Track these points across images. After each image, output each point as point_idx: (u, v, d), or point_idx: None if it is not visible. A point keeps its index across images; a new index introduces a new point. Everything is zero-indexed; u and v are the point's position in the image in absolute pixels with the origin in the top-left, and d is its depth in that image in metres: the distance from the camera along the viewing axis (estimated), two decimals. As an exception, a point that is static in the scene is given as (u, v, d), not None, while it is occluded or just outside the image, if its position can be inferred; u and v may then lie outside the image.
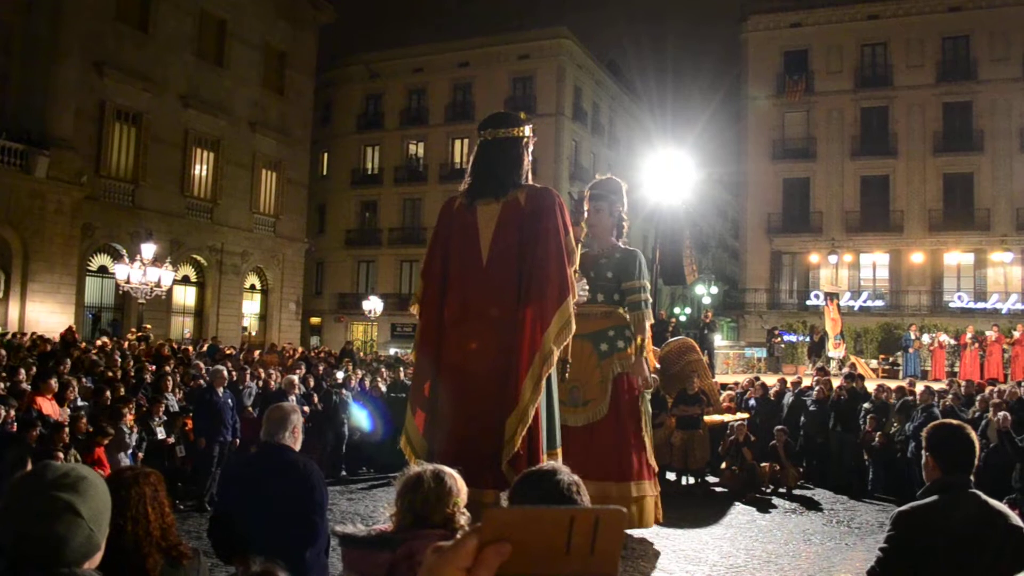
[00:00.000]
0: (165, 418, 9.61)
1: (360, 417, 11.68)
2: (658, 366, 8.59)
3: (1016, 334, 20.42)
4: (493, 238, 4.86)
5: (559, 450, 5.01)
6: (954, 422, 3.06)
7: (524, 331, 4.67)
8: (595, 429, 6.90)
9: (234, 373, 11.41)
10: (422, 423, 4.89)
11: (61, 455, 7.17)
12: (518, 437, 4.50)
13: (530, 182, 5.11)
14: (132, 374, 11.64)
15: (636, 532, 7.42)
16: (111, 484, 2.33)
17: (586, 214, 7.09)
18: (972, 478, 2.83)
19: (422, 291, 5.10)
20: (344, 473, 11.50)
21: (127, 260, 20.37)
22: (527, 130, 5.17)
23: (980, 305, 29.81)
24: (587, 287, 5.49)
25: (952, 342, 22.45)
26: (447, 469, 2.46)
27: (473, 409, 4.70)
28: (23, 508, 1.68)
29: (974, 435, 2.88)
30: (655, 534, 7.98)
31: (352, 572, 2.44)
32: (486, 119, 5.32)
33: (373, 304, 32.60)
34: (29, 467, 2.93)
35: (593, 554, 0.69)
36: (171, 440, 9.45)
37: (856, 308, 30.76)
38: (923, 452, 2.96)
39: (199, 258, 28.35)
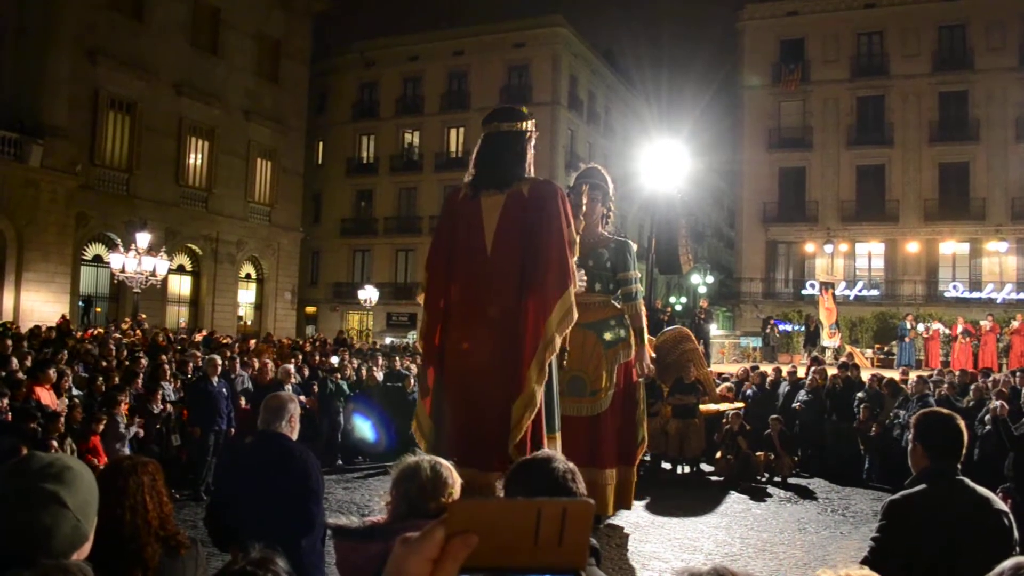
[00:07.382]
0: (163, 406, 9.62)
1: (364, 427, 11.63)
2: (654, 355, 8.62)
3: (1015, 323, 20.47)
4: (497, 228, 4.97)
5: (558, 434, 5.14)
6: (943, 410, 3.08)
7: (527, 319, 4.78)
8: (596, 418, 6.95)
9: (227, 363, 11.37)
10: (429, 406, 5.03)
11: (56, 444, 7.17)
12: (525, 421, 4.61)
13: (532, 175, 5.20)
14: (127, 363, 11.62)
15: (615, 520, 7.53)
16: (109, 473, 2.33)
17: (584, 206, 7.11)
18: (959, 466, 2.86)
19: (426, 281, 5.19)
20: (340, 462, 11.51)
21: (122, 249, 20.35)
22: (530, 124, 5.30)
23: (975, 294, 29.89)
24: (584, 277, 5.59)
25: (946, 331, 22.51)
26: (443, 461, 2.48)
27: (478, 396, 4.81)
28: (7, 499, 1.65)
29: (963, 424, 2.89)
30: (651, 523, 8.03)
31: (345, 564, 2.45)
32: (491, 113, 5.43)
33: (369, 293, 32.58)
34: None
35: (561, 545, 0.70)
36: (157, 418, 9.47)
37: (851, 297, 30.80)
38: (911, 440, 2.97)
39: (194, 247, 28.30)
